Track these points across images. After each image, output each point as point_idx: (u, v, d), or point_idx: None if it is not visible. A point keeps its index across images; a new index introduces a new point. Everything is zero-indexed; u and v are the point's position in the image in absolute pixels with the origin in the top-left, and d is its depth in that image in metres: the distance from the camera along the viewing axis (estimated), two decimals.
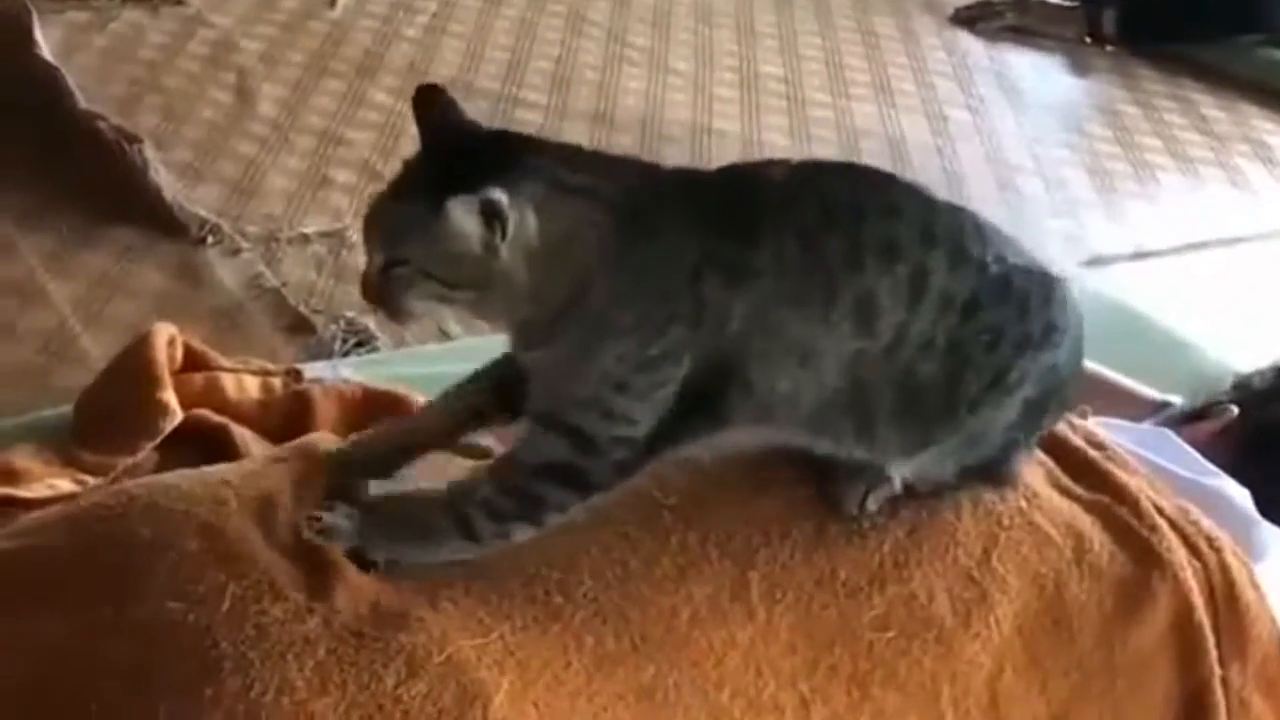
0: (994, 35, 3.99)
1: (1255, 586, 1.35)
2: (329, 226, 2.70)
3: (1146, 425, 1.65)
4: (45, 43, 2.92)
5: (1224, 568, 1.34)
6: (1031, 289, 1.23)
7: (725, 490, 1.26)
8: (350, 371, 1.86)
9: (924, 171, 3.28)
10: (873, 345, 1.17)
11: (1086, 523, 1.33)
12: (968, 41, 3.97)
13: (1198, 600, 1.31)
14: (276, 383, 1.83)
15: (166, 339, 1.79)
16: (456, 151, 1.16)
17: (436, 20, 3.58)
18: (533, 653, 1.12)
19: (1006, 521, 1.30)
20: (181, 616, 1.07)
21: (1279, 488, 1.51)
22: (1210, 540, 1.36)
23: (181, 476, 1.24)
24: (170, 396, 1.72)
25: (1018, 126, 3.56)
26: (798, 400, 1.18)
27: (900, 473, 1.26)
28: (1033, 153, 3.41)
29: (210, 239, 2.60)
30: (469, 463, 1.27)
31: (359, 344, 2.33)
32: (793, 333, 1.16)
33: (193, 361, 1.83)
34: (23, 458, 1.67)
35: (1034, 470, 1.36)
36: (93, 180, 2.68)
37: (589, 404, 1.14)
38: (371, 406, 1.78)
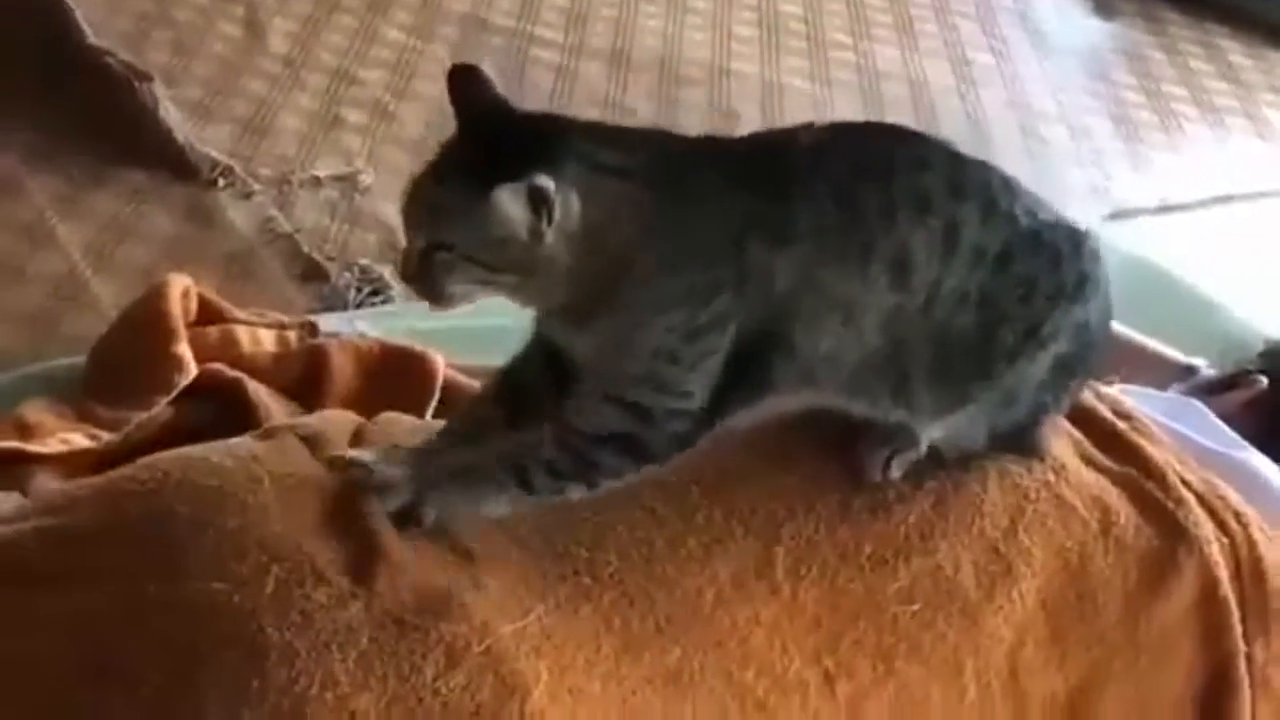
0: None
1: None
2: (341, 169, 2.70)
3: (1174, 394, 1.66)
4: None
5: (1251, 543, 1.35)
6: (1061, 242, 1.24)
7: (751, 465, 1.27)
8: (366, 325, 1.87)
9: (946, 116, 3.28)
10: (910, 300, 1.18)
11: (1113, 496, 1.34)
12: None
13: (1223, 575, 1.32)
14: (291, 336, 1.84)
15: (181, 290, 1.80)
16: (497, 134, 1.17)
17: None
18: (567, 636, 1.13)
19: (1033, 494, 1.31)
20: (227, 598, 1.08)
21: None
22: (1237, 515, 1.36)
23: (210, 450, 1.23)
24: (185, 350, 1.73)
25: (1041, 71, 3.55)
26: (839, 360, 1.19)
27: (931, 434, 1.27)
28: (1056, 99, 3.40)
29: (221, 181, 2.60)
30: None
31: (373, 292, 2.33)
32: (833, 290, 1.17)
33: (207, 313, 1.84)
34: (35, 411, 1.68)
35: (1062, 442, 1.37)
36: (102, 118, 2.67)
37: (642, 379, 1.16)
38: (388, 363, 1.79)
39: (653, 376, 1.16)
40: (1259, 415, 1.65)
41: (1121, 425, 1.42)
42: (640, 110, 3.09)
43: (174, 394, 1.70)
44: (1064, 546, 1.29)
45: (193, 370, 1.72)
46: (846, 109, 3.25)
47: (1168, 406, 1.54)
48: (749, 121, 3.15)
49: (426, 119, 2.85)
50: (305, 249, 2.46)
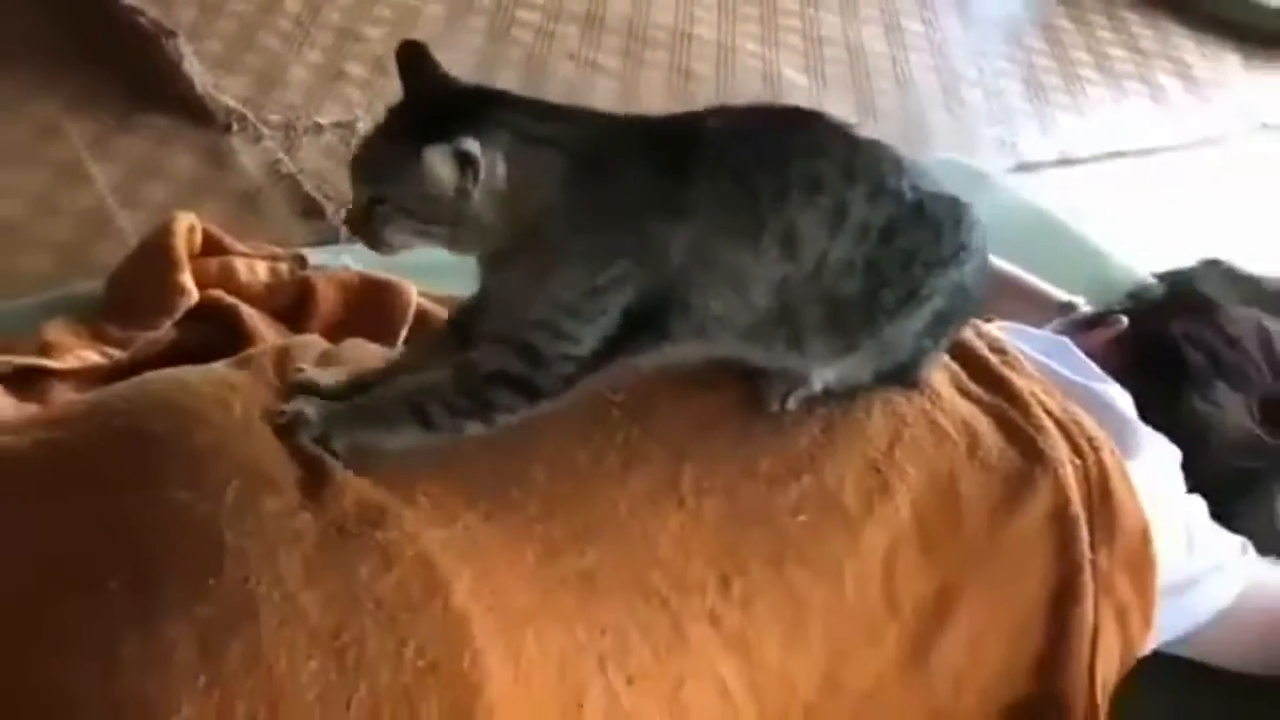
0: None
1: (1127, 481, 1.35)
2: (342, 117, 2.68)
3: (1047, 332, 1.65)
4: None
5: (1101, 465, 1.34)
6: (943, 214, 1.23)
7: (667, 388, 1.26)
8: (351, 259, 1.85)
9: (878, 77, 3.25)
10: (797, 270, 1.17)
11: (983, 423, 1.33)
12: None
13: (1074, 494, 1.31)
14: (284, 268, 1.83)
15: (186, 226, 1.79)
16: (436, 102, 1.16)
17: None
18: (491, 541, 1.13)
19: (910, 420, 1.30)
20: (191, 507, 1.07)
21: (1156, 393, 1.52)
22: (1091, 440, 1.36)
23: (192, 372, 1.23)
24: (187, 279, 1.72)
25: (965, 38, 3.52)
26: (732, 319, 1.18)
27: (823, 377, 1.27)
28: (976, 64, 3.37)
29: (235, 127, 2.59)
30: None
31: None
32: (725, 262, 1.16)
33: (211, 246, 1.82)
34: (56, 331, 1.67)
35: (939, 374, 1.36)
36: (132, 70, 2.66)
37: (541, 324, 1.15)
38: (367, 293, 1.78)
39: (550, 324, 1.15)
40: (1120, 351, 1.64)
41: (994, 359, 1.41)
42: (610, 67, 3.07)
43: (177, 317, 1.69)
44: (936, 466, 1.29)
45: (194, 297, 1.71)
46: (792, 71, 3.23)
47: (1040, 343, 1.53)
48: (705, 80, 3.13)
49: None
50: (306, 189, 2.45)
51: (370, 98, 2.76)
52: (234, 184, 2.46)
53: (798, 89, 3.17)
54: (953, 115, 3.10)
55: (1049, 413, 1.37)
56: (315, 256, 1.88)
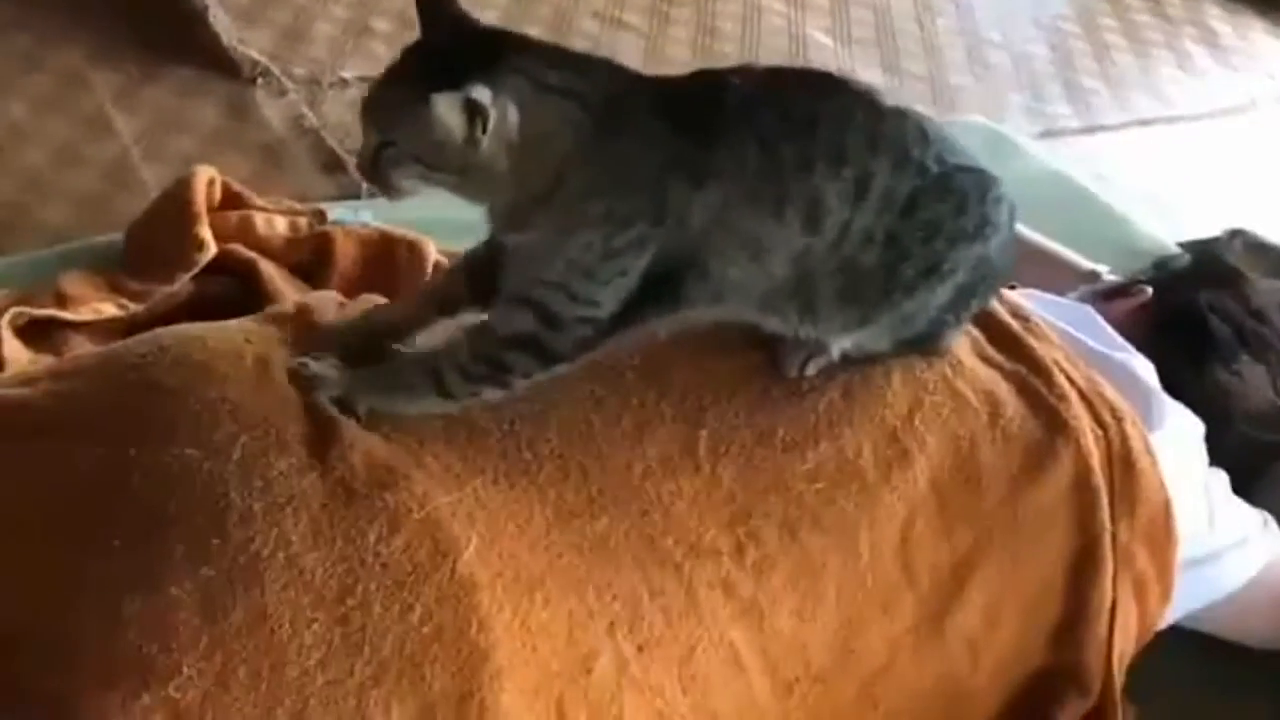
0: None
1: (1149, 453, 1.31)
2: (367, 72, 2.63)
3: (1070, 300, 1.61)
4: None
5: (1123, 436, 1.31)
6: (969, 188, 1.18)
7: (683, 353, 1.23)
8: (370, 215, 1.82)
9: (904, 39, 3.19)
10: (819, 241, 1.13)
11: (1004, 390, 1.30)
12: None
13: (1096, 464, 1.28)
14: (303, 222, 1.80)
15: (206, 180, 1.76)
16: (450, 45, 1.11)
17: None
18: (500, 506, 1.10)
19: (931, 387, 1.27)
20: (198, 464, 1.04)
21: (1180, 364, 1.49)
22: (1113, 410, 1.32)
23: (207, 328, 1.20)
24: (206, 232, 1.69)
25: (992, 2, 3.45)
26: (749, 287, 1.15)
27: (840, 346, 1.23)
28: (1003, 29, 3.31)
29: (260, 80, 2.54)
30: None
31: None
32: (747, 230, 1.12)
33: (230, 200, 1.80)
34: (73, 283, 1.65)
35: (962, 340, 1.32)
36: (158, 21, 2.61)
37: (557, 286, 1.11)
38: (385, 248, 1.75)
39: (566, 285, 1.11)
40: (1144, 320, 1.61)
41: (1017, 326, 1.37)
42: (636, 24, 3.01)
43: (195, 271, 1.66)
44: (956, 434, 1.25)
45: (213, 250, 1.68)
46: (818, 32, 3.17)
47: (1063, 311, 1.49)
48: (730, 38, 3.08)
49: None
50: (330, 143, 2.41)
51: (395, 53, 2.70)
52: (257, 137, 2.42)
53: (824, 49, 3.12)
54: (979, 80, 3.04)
55: (1072, 381, 1.33)
56: (334, 211, 1.85)
